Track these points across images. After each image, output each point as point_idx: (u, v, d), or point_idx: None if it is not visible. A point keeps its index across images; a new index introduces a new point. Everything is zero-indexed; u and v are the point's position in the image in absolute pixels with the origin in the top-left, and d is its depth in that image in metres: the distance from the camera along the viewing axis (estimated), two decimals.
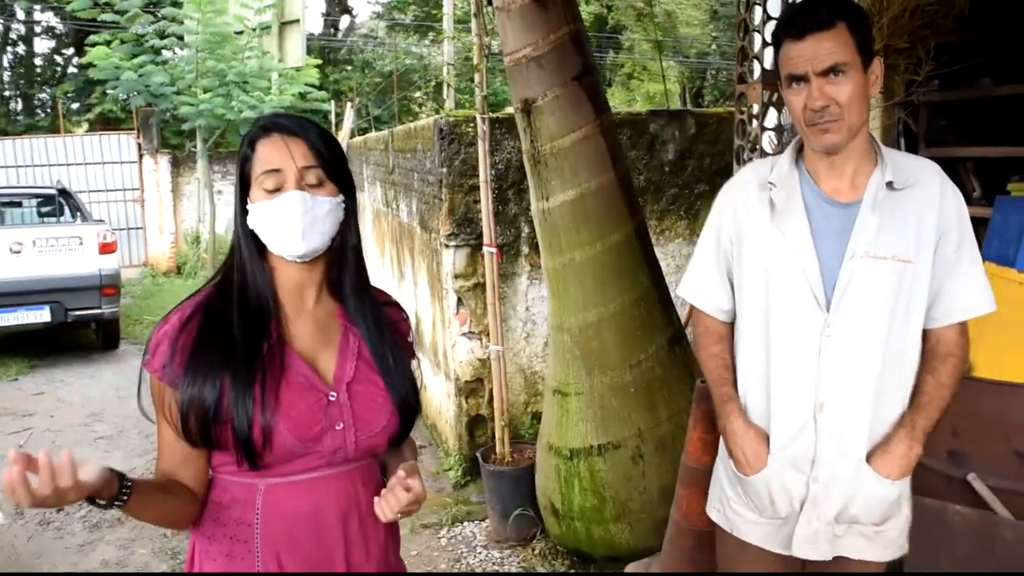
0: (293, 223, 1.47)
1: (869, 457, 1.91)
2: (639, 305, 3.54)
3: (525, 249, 4.84)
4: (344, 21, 26.98)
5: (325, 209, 1.50)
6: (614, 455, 3.52)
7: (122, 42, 11.19)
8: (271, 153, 1.49)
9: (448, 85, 7.04)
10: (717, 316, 2.12)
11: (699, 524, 2.98)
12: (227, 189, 13.18)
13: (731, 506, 2.10)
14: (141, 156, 13.80)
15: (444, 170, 4.70)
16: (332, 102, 12.84)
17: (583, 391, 3.57)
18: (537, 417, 4.77)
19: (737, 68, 3.59)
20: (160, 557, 4.08)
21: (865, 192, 1.88)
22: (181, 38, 11.56)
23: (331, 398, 1.52)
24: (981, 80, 3.54)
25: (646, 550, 3.48)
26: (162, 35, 11.57)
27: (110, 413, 6.47)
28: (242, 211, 1.53)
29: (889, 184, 1.86)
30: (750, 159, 3.46)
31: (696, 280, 2.15)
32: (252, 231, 1.52)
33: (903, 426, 1.89)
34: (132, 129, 14.00)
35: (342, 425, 1.52)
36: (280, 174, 1.48)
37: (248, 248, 1.54)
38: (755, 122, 3.58)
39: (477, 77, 4.08)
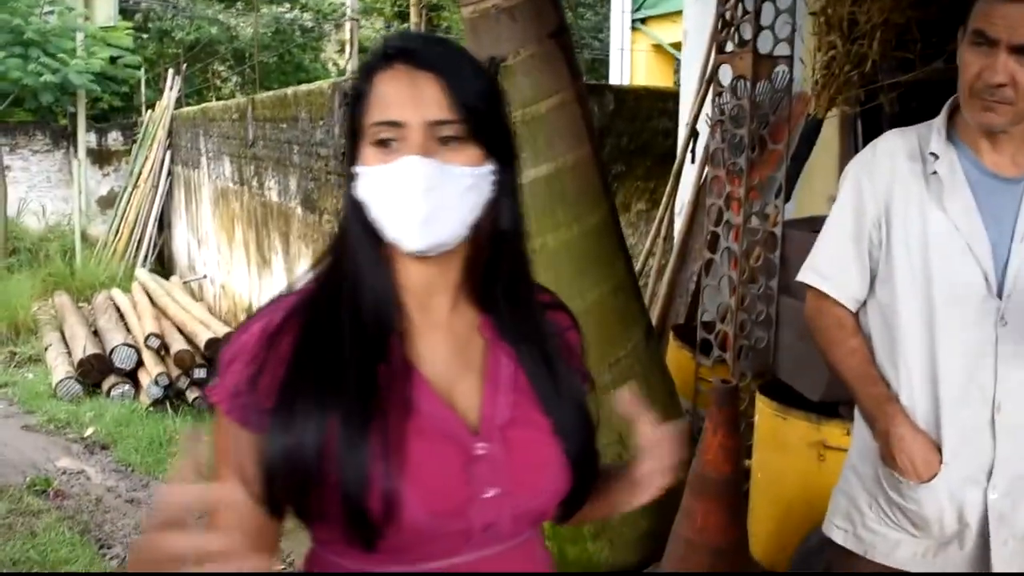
0: (411, 203, 0.98)
1: None
2: (617, 295, 3.18)
3: None
4: None
5: (462, 184, 1.01)
6: None
7: None
8: (391, 94, 1.00)
9: (349, 44, 6.24)
10: (849, 305, 1.84)
11: (717, 540, 2.71)
12: (16, 165, 11.43)
13: (867, 524, 1.85)
14: None
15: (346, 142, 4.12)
16: (142, 70, 11.56)
17: None
18: None
19: (716, 36, 3.32)
20: None
21: None
22: None
23: (479, 451, 1.03)
24: None
25: (626, 567, 3.17)
26: None
27: None
28: (351, 174, 1.03)
29: None
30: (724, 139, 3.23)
31: (826, 265, 1.87)
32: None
33: None
34: None
35: (494, 491, 1.02)
36: (399, 128, 0.99)
37: (356, 227, 1.03)
38: (731, 96, 3.33)
39: (414, 28, 3.54)
